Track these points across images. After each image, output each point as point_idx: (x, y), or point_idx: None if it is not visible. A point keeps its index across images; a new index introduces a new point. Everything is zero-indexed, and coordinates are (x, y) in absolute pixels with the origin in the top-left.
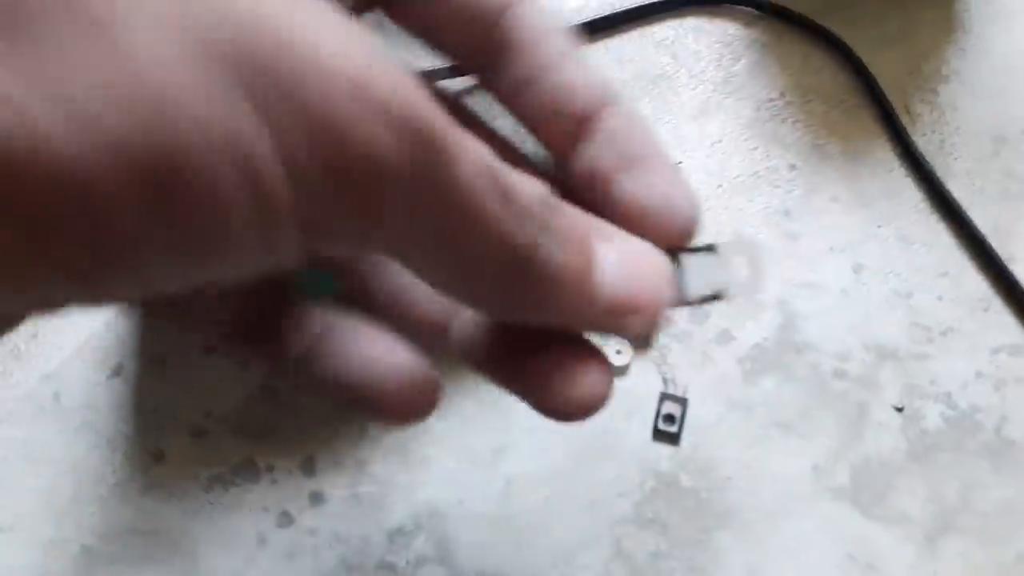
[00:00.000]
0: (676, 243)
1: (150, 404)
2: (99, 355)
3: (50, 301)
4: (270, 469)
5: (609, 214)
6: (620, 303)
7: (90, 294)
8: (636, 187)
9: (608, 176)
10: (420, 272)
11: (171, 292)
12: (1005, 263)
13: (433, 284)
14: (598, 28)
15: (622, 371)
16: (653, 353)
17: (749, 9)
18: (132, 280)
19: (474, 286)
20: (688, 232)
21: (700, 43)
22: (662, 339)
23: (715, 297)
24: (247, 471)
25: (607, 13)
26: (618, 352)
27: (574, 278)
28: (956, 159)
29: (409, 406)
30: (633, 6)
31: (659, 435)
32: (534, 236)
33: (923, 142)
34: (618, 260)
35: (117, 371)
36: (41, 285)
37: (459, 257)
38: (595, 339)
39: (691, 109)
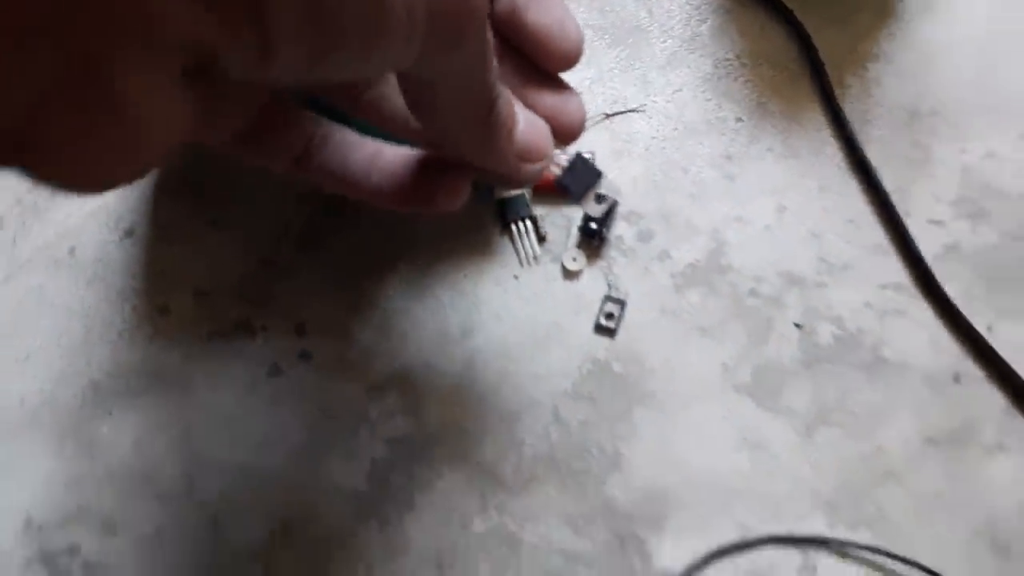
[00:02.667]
0: (572, 56)
1: (158, 265)
2: (113, 218)
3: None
4: (264, 329)
5: (521, 39)
6: (526, 149)
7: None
8: (538, 16)
9: (519, 11)
10: (434, 100)
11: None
12: (901, 216)
13: (439, 111)
14: None
15: (575, 275)
16: (602, 263)
17: None
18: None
19: (465, 119)
20: (577, 46)
21: (673, 3)
22: (611, 252)
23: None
24: (244, 329)
25: None
26: (574, 260)
27: (508, 128)
28: (875, 127)
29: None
30: None
31: (599, 329)
32: (498, 96)
33: (849, 110)
34: (524, 123)
35: (129, 233)
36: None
37: (468, 96)
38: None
39: (660, 59)
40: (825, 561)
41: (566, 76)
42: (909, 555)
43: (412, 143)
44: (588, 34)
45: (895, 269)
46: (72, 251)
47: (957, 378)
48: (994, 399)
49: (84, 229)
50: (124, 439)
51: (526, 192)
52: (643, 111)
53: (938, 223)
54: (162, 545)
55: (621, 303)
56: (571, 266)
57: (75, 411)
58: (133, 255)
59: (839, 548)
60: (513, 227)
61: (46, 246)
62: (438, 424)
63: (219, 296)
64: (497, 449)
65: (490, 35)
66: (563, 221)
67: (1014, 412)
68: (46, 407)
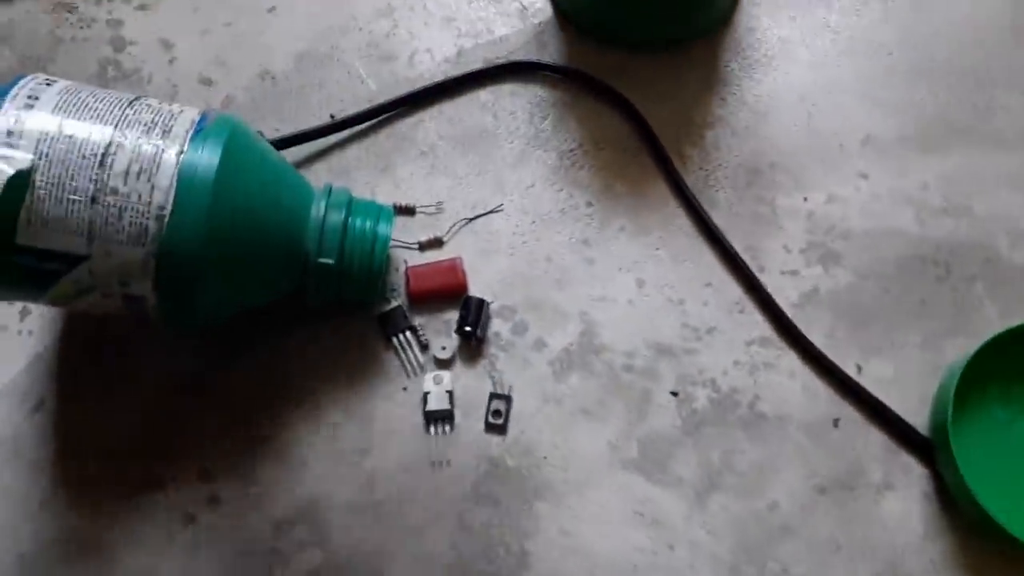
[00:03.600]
0: None
1: (68, 434)
2: (20, 395)
3: None
4: (174, 479)
5: None
6: None
7: None
8: None
9: None
10: None
11: None
12: (755, 272)
13: None
14: (432, 94)
15: (447, 364)
16: (484, 361)
17: (554, 74)
18: None
19: None
20: None
21: (515, 104)
22: (491, 350)
23: None
24: (155, 483)
25: (440, 80)
26: (443, 348)
27: None
28: (718, 191)
29: None
30: (461, 74)
31: (490, 427)
32: None
33: (692, 179)
34: None
35: (37, 407)
36: None
37: None
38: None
39: (510, 159)
40: None
41: (425, 185)
42: None
43: None
44: (440, 145)
45: (757, 324)
46: None
47: (836, 423)
48: (874, 438)
49: None
50: None
51: (403, 304)
52: (501, 210)
53: (792, 272)
54: None
55: (507, 399)
56: (442, 355)
57: None
58: (43, 427)
59: None
60: (395, 340)
61: None
62: (348, 550)
63: (127, 454)
64: (408, 566)
65: None
66: (442, 327)
67: (895, 448)
68: None
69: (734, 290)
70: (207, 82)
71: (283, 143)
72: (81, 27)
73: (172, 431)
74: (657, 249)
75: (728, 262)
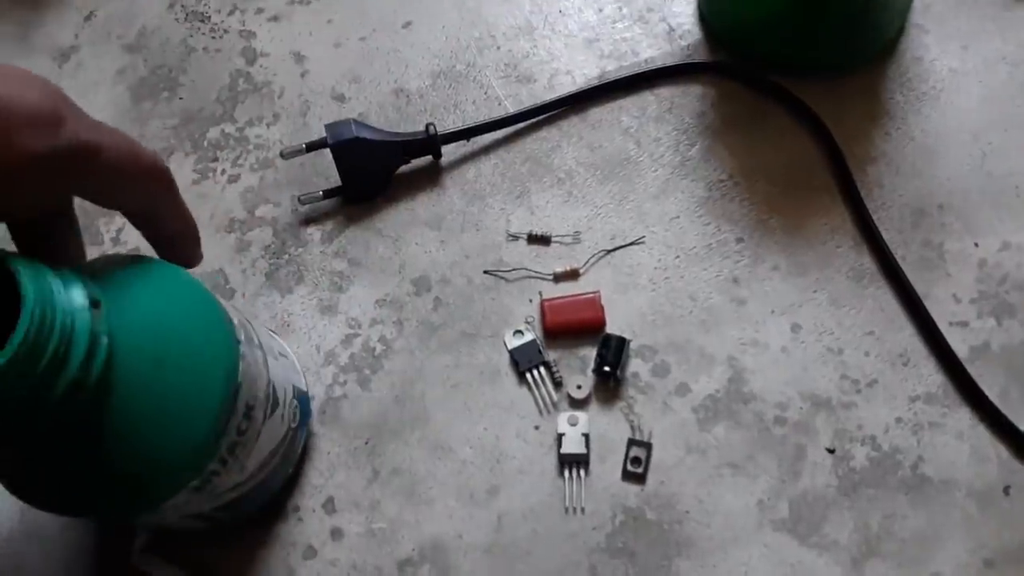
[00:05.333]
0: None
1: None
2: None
3: None
4: (296, 509)
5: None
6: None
7: None
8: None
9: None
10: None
11: None
12: (934, 319)
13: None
14: (606, 91)
15: (582, 404)
16: (621, 404)
17: (740, 83)
18: None
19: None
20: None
21: (660, 131)
22: (629, 391)
23: None
24: (278, 511)
25: (614, 79)
26: (578, 387)
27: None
28: (883, 230)
29: None
30: (633, 73)
31: (628, 476)
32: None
33: (853, 218)
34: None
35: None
36: None
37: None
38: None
39: (653, 189)
40: None
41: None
42: None
43: None
44: (579, 171)
45: (923, 378)
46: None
47: (1007, 490)
48: None
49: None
50: None
51: (537, 338)
52: (642, 243)
53: (962, 324)
54: None
55: (647, 446)
56: (577, 394)
57: None
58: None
59: None
60: (528, 376)
61: None
62: None
63: None
64: None
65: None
66: (577, 363)
67: None
68: None
69: (899, 340)
70: (340, 98)
71: (446, 138)
72: (213, 37)
73: (301, 458)
74: (815, 291)
75: (903, 307)
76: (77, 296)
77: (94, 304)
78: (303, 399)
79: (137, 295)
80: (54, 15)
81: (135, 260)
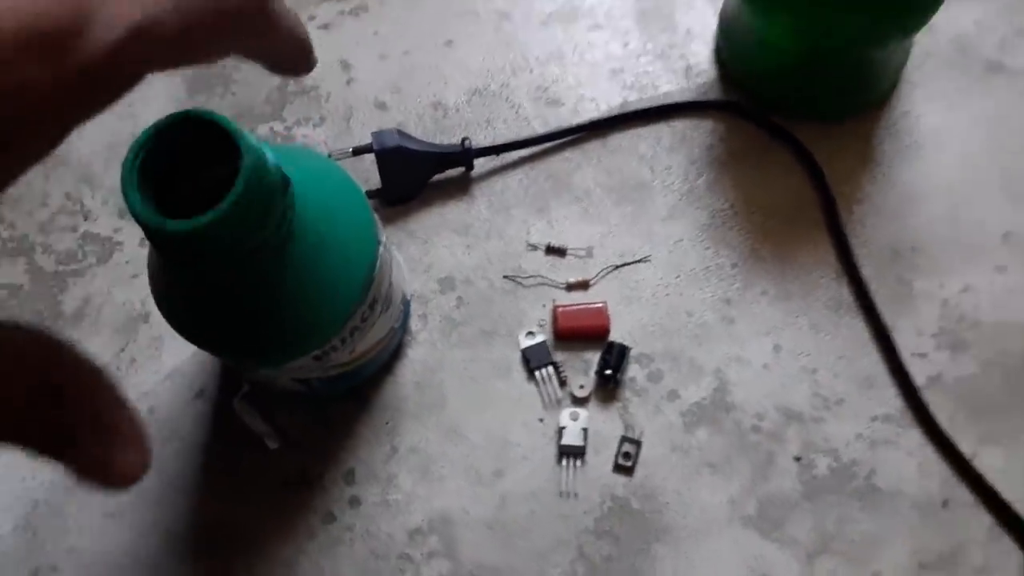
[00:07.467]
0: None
1: (225, 423)
2: (187, 380)
3: None
4: (320, 477)
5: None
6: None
7: None
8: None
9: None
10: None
11: None
12: (898, 349)
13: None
14: (632, 118)
15: (583, 402)
16: (618, 404)
17: (747, 120)
18: None
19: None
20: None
21: (672, 160)
22: (626, 393)
23: None
24: (302, 480)
25: (641, 107)
26: (581, 387)
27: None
28: (860, 267)
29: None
30: (660, 104)
31: (618, 468)
32: None
33: (836, 252)
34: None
35: (200, 393)
36: None
37: None
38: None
39: (662, 212)
40: None
41: (576, 229)
42: None
43: None
44: (596, 192)
45: (884, 400)
46: (152, 410)
47: (945, 503)
48: (980, 521)
49: (162, 390)
50: None
51: (547, 340)
52: (648, 261)
53: (921, 355)
54: None
55: (637, 443)
56: (579, 393)
57: (153, 561)
58: (203, 414)
59: None
60: (537, 374)
61: None
62: (474, 564)
63: (280, 449)
64: None
65: None
66: (581, 365)
67: (998, 532)
68: (127, 557)
69: (866, 365)
70: (382, 106)
71: (478, 152)
72: None
73: (326, 433)
74: (797, 316)
75: (872, 336)
76: (273, 168)
77: (284, 181)
78: (407, 304)
79: (306, 181)
80: None
81: (304, 151)
